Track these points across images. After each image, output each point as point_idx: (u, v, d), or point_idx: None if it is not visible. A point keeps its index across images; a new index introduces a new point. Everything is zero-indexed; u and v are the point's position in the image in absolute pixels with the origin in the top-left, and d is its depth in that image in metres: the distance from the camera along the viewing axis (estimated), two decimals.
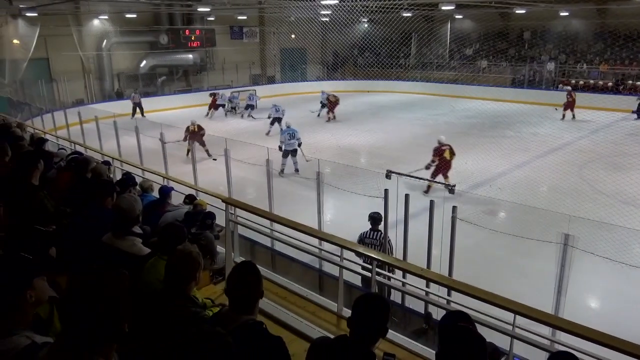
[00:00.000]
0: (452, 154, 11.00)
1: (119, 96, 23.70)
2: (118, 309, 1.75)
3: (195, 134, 13.92)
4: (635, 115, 19.78)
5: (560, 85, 24.75)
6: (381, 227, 6.22)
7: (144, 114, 21.21)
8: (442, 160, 10.85)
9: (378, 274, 4.14)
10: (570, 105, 19.52)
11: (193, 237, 5.15)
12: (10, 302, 2.01)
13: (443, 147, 10.97)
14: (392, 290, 5.15)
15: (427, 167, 10.87)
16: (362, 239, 6.28)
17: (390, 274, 4.64)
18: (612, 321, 5.39)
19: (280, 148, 12.22)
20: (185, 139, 13.51)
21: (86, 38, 22.80)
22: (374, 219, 6.26)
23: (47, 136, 10.62)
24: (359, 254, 4.62)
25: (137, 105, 21.46)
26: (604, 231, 6.37)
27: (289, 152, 12.46)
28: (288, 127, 13.14)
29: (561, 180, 11.28)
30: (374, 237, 6.27)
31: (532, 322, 3.04)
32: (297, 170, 12.51)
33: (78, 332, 1.66)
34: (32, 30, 19.58)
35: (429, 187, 10.68)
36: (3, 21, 18.90)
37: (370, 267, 4.15)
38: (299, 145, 12.62)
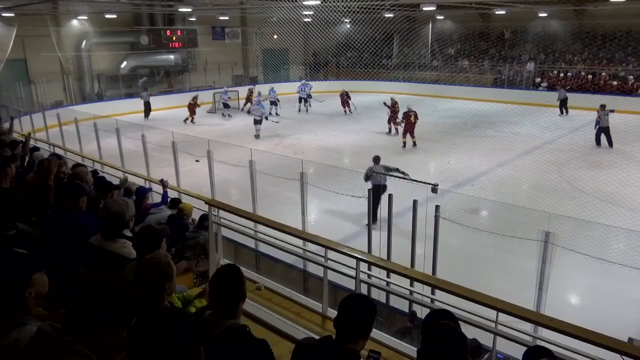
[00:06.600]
0: (416, 118, 15.29)
1: (100, 98, 23.36)
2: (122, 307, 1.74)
3: None
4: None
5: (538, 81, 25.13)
6: None
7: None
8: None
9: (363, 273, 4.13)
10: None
11: (191, 235, 5.31)
12: (11, 300, 2.02)
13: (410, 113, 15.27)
14: (377, 289, 5.17)
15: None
16: None
17: (374, 274, 4.65)
18: (592, 316, 5.50)
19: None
20: None
21: (65, 39, 22.41)
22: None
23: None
24: None
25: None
26: (584, 228, 6.48)
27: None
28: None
29: (542, 179, 11.46)
30: None
31: (515, 319, 3.08)
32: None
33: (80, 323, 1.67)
34: (9, 30, 19.17)
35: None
36: None
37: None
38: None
